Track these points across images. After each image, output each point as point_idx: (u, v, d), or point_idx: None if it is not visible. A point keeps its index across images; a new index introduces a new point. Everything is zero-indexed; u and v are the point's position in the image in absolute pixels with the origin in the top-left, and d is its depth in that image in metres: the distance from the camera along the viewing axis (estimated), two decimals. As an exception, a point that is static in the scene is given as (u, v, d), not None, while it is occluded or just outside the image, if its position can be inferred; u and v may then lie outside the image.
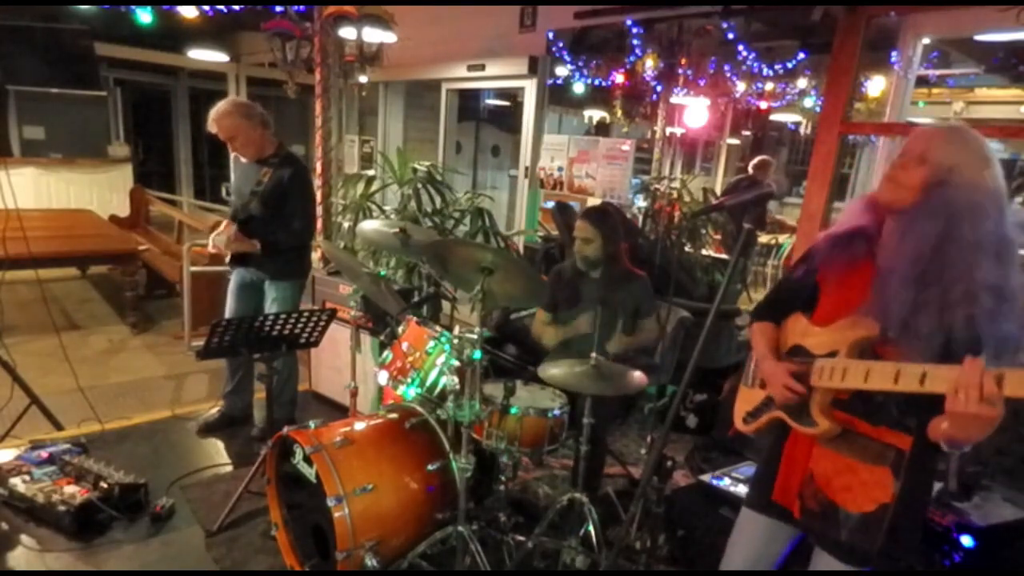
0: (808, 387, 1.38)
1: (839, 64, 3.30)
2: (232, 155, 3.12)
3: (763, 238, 6.92)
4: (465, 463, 2.06)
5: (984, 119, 7.48)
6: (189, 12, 5.18)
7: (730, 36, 5.41)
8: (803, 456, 1.46)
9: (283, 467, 2.27)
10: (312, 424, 2.19)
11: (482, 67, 5.58)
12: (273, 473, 2.30)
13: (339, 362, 3.46)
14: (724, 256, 5.37)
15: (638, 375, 2.24)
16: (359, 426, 2.30)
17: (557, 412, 2.26)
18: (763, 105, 7.72)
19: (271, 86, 8.30)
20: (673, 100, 6.72)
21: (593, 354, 2.21)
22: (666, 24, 5.51)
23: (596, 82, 6.73)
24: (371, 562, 2.01)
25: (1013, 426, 2.46)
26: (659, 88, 6.61)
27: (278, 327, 2.59)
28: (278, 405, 2.97)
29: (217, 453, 3.17)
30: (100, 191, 7.99)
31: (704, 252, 5.36)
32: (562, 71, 6.13)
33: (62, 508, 2.39)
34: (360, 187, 4.91)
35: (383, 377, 2.39)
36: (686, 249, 5.05)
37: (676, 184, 5.65)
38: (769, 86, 6.86)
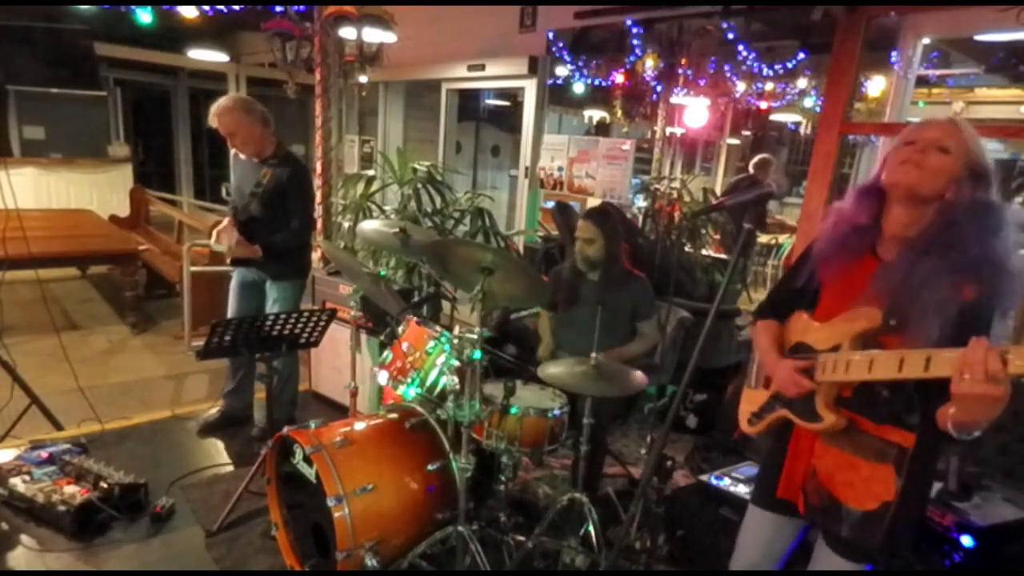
0: (815, 383, 1.38)
1: (839, 64, 3.29)
2: (232, 153, 3.12)
3: (763, 238, 6.92)
4: (465, 463, 2.06)
5: (984, 119, 7.48)
6: (189, 12, 5.18)
7: (730, 36, 5.42)
8: (806, 452, 1.47)
9: (283, 467, 2.27)
10: (312, 424, 2.19)
11: (482, 67, 5.58)
12: (273, 473, 2.30)
13: (339, 362, 3.46)
14: (724, 256, 5.37)
15: (638, 375, 2.24)
16: (359, 426, 2.30)
17: (557, 412, 2.26)
18: (763, 105, 7.72)
19: (271, 86, 8.29)
20: (673, 100, 6.73)
21: (593, 354, 2.22)
22: (666, 24, 5.51)
23: (596, 82, 6.73)
24: (371, 562, 2.01)
25: (1014, 426, 2.46)
26: (659, 88, 6.61)
27: (278, 327, 2.59)
28: (278, 405, 2.97)
29: (217, 453, 3.17)
30: (100, 191, 7.99)
31: (704, 252, 5.36)
32: (562, 71, 6.13)
33: (62, 508, 2.39)
34: (360, 187, 4.91)
35: (383, 377, 2.39)
36: (686, 249, 5.04)
37: (676, 184, 5.65)
38: (769, 86, 6.86)
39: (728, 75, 6.42)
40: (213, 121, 2.93)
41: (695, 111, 6.65)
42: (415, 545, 2.14)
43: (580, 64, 6.27)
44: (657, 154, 7.05)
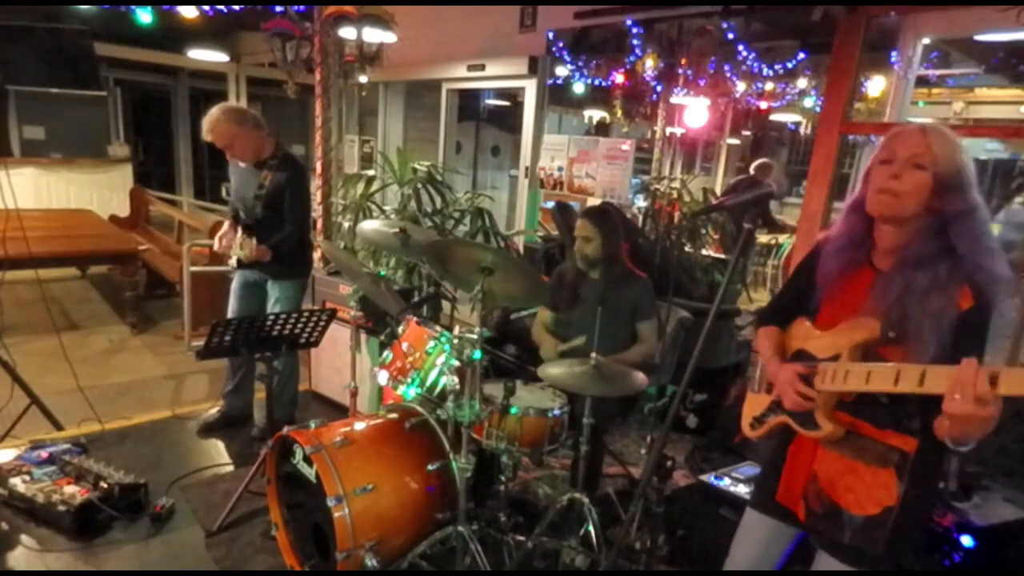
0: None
1: (839, 64, 3.29)
2: (231, 159, 3.13)
3: (763, 238, 6.92)
4: (465, 463, 2.06)
5: (984, 119, 7.48)
6: (189, 12, 5.18)
7: (730, 36, 5.42)
8: (807, 458, 1.46)
9: (283, 467, 2.27)
10: (312, 424, 2.19)
11: (482, 67, 5.58)
12: (273, 473, 2.30)
13: (339, 362, 3.45)
14: (724, 256, 5.37)
15: (638, 375, 2.24)
16: (359, 426, 2.30)
17: (557, 412, 2.25)
18: (763, 105, 7.72)
19: (271, 86, 8.30)
20: (673, 100, 6.72)
21: (593, 354, 2.22)
22: (666, 24, 5.51)
23: (596, 82, 6.72)
24: (371, 562, 2.01)
25: (1013, 426, 2.46)
26: (659, 88, 6.61)
27: (278, 327, 2.59)
28: (278, 405, 2.97)
29: (217, 453, 3.17)
30: (100, 191, 8.00)
31: (704, 252, 5.36)
32: (562, 71, 6.13)
33: (62, 508, 2.39)
34: (360, 187, 4.91)
35: (383, 377, 2.39)
36: (686, 249, 5.05)
37: (676, 184, 5.65)
38: (769, 86, 6.86)
39: (728, 75, 6.41)
40: (207, 136, 2.93)
41: (695, 111, 6.65)
42: (415, 545, 2.14)
43: (580, 64, 6.27)
44: (657, 154, 7.05)
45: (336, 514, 1.96)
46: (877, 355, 1.30)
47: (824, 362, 1.38)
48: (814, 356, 1.43)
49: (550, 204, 5.25)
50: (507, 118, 9.35)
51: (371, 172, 5.62)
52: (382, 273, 2.67)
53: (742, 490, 2.39)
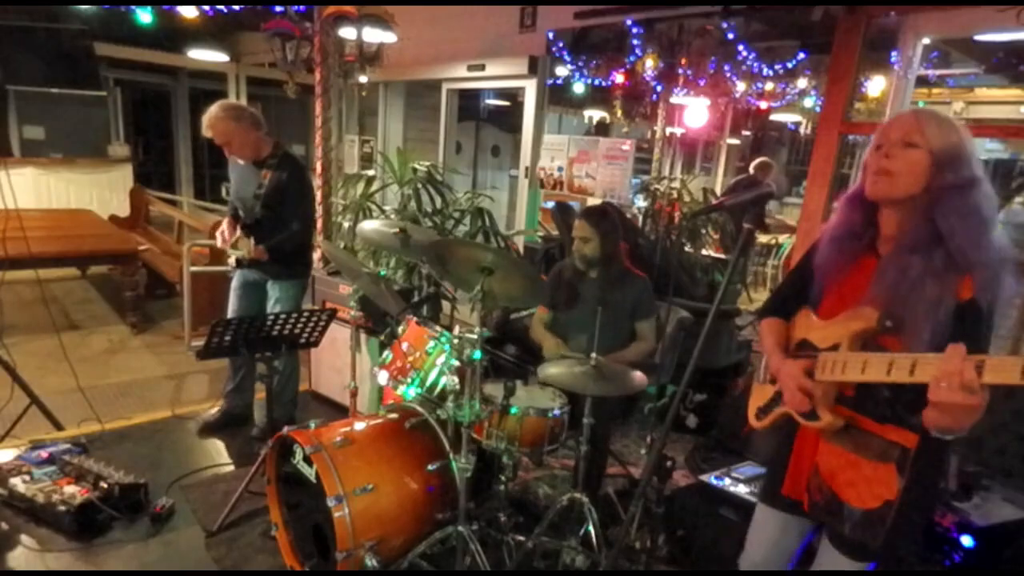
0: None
1: (839, 64, 3.30)
2: (229, 157, 3.13)
3: (763, 238, 6.93)
4: (465, 463, 2.06)
5: (984, 119, 7.48)
6: (189, 12, 5.18)
7: (730, 36, 5.42)
8: (811, 450, 1.47)
9: (283, 467, 2.27)
10: (312, 424, 2.19)
11: (482, 67, 5.58)
12: (273, 473, 2.30)
13: (339, 362, 3.45)
14: (724, 256, 5.37)
15: (638, 375, 2.24)
16: (359, 426, 2.30)
17: (557, 412, 2.25)
18: (763, 105, 7.73)
19: (271, 86, 8.30)
20: (673, 100, 6.73)
21: (593, 354, 2.21)
22: (666, 24, 5.52)
23: (596, 82, 6.73)
24: (371, 562, 2.01)
25: (1013, 426, 2.46)
26: (659, 88, 6.61)
27: (278, 327, 2.59)
28: (278, 405, 2.97)
29: (217, 453, 3.17)
30: (100, 191, 7.99)
31: (704, 252, 5.37)
32: (562, 71, 6.14)
33: (62, 508, 2.39)
34: (360, 187, 4.91)
35: (383, 377, 2.39)
36: (686, 249, 5.05)
37: (676, 184, 5.66)
38: (769, 86, 6.86)
39: (728, 75, 6.42)
40: (207, 132, 2.95)
41: (695, 111, 6.65)
42: (415, 545, 2.14)
43: (580, 64, 6.27)
44: (657, 154, 7.05)
45: (336, 514, 1.96)
46: (877, 345, 1.30)
47: (824, 352, 1.38)
48: (816, 346, 1.43)
49: (550, 204, 5.25)
50: (507, 118, 9.36)
51: (371, 172, 5.62)
52: (382, 273, 2.67)
53: (742, 490, 2.39)
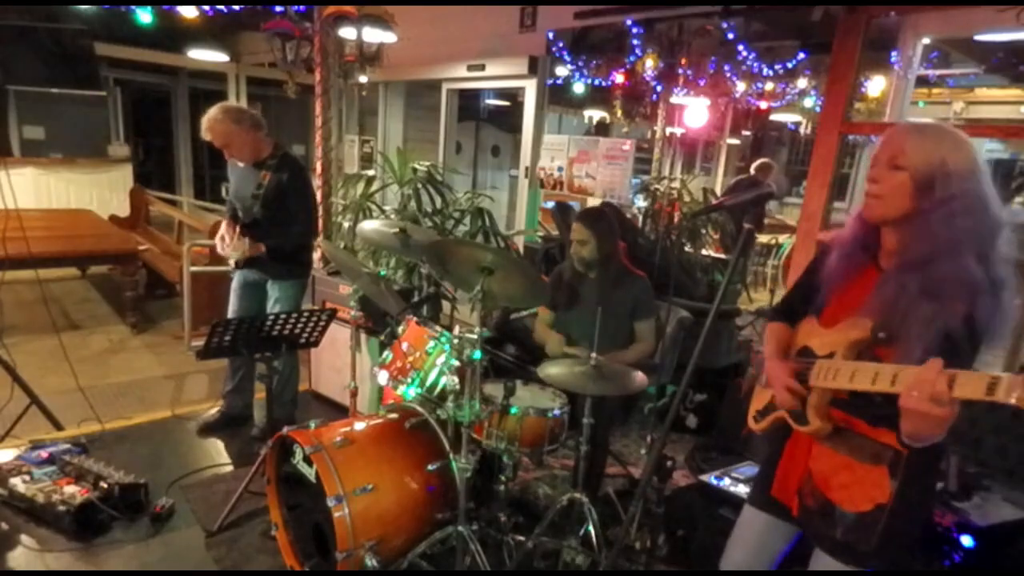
0: (807, 387, 1.39)
1: (839, 64, 3.29)
2: (229, 159, 3.13)
3: (763, 238, 6.93)
4: (465, 463, 2.06)
5: (984, 119, 7.49)
6: (189, 12, 5.18)
7: (730, 36, 5.43)
8: (803, 454, 1.48)
9: (283, 467, 2.27)
10: (312, 424, 2.19)
11: (482, 67, 5.58)
12: (273, 473, 2.30)
13: (339, 362, 3.45)
14: (724, 256, 5.37)
15: (638, 375, 2.24)
16: (359, 426, 2.30)
17: (557, 412, 2.26)
18: (763, 105, 7.74)
19: (271, 86, 8.30)
20: (673, 100, 6.73)
21: (593, 354, 2.21)
22: (666, 24, 5.52)
23: (596, 82, 6.74)
24: (371, 562, 2.01)
25: (1013, 426, 2.46)
26: (659, 88, 6.61)
27: (278, 327, 2.59)
28: (278, 405, 2.97)
29: (217, 453, 3.17)
30: (100, 191, 7.99)
31: (704, 252, 5.37)
32: (562, 71, 6.15)
33: (62, 508, 2.39)
34: (360, 187, 4.91)
35: (383, 377, 2.39)
36: (686, 249, 5.05)
37: (676, 184, 5.66)
38: (769, 86, 6.87)
39: (728, 75, 6.42)
40: (206, 135, 2.95)
41: (695, 111, 6.65)
42: (415, 545, 2.14)
43: (580, 64, 6.28)
44: (657, 154, 7.05)
45: (336, 514, 1.96)
46: (873, 355, 1.31)
47: (821, 359, 1.39)
48: (815, 353, 1.44)
49: (550, 204, 5.25)
50: (507, 118, 9.36)
51: (371, 172, 5.62)
52: (382, 273, 2.67)
53: (742, 490, 2.39)
